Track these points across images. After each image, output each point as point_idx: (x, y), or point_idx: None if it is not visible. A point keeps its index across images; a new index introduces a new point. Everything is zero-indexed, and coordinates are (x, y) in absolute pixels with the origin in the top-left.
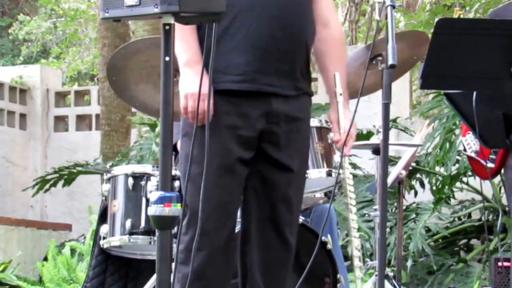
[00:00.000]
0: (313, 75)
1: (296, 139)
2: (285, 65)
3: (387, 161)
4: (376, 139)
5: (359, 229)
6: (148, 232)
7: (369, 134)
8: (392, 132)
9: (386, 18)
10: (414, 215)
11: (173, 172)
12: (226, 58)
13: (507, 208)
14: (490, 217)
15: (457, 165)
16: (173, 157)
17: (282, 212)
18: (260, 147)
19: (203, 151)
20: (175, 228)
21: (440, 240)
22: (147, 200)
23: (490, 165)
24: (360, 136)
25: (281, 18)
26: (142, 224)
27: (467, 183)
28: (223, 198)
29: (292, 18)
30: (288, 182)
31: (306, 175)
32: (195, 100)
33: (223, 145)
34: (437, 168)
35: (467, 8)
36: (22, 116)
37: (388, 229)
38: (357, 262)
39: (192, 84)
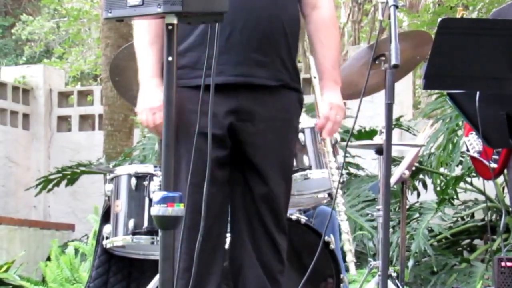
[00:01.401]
0: (315, 75)
1: (274, 140)
2: (258, 55)
3: (390, 161)
4: (379, 139)
5: (361, 228)
6: (151, 232)
7: (372, 133)
8: (395, 132)
9: (389, 18)
10: (417, 215)
11: None
12: (194, 54)
13: (510, 208)
14: (493, 217)
15: (460, 166)
16: None
17: (265, 213)
18: (238, 146)
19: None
20: None
21: (443, 240)
22: (150, 200)
23: (493, 165)
24: (363, 135)
25: (249, 8)
26: (145, 224)
27: (470, 183)
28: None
29: (260, 6)
30: (266, 184)
31: (308, 176)
32: (147, 114)
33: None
34: (440, 169)
35: (470, 8)
36: (25, 116)
37: (391, 229)
38: (347, 246)
39: (145, 99)
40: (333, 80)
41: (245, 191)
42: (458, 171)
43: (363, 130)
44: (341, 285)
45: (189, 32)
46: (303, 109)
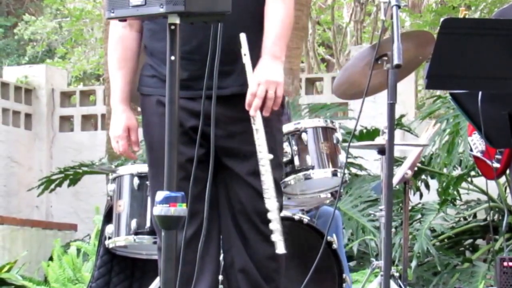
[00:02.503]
0: (319, 75)
1: (244, 139)
2: (216, 66)
3: (393, 161)
4: (381, 140)
5: (364, 229)
6: (153, 232)
7: (374, 133)
8: (398, 133)
9: (392, 18)
10: (419, 216)
11: None
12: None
13: None
14: (496, 217)
15: (461, 166)
16: None
17: (252, 213)
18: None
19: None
20: None
21: (445, 240)
22: (153, 200)
23: (496, 165)
24: (365, 135)
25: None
26: (148, 224)
27: (472, 183)
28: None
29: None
30: (244, 186)
31: (311, 176)
32: (117, 141)
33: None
34: (445, 170)
35: (473, 8)
36: (28, 116)
37: (393, 230)
38: None
39: (112, 126)
40: (271, 54)
41: (230, 187)
42: (460, 171)
43: (364, 131)
44: (344, 285)
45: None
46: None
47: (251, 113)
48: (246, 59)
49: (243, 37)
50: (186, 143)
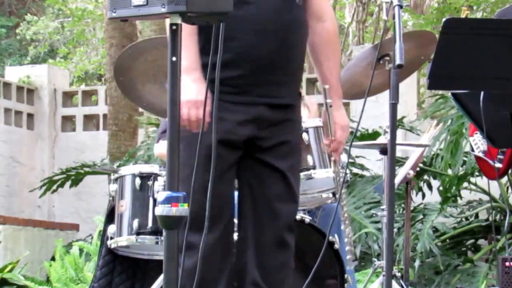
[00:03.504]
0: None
1: (286, 141)
2: (281, 77)
3: (395, 162)
4: (383, 139)
5: (366, 230)
6: (155, 232)
7: (375, 135)
8: (399, 132)
9: (394, 18)
10: (421, 216)
11: None
12: (222, 70)
13: None
14: (498, 217)
15: (464, 166)
16: None
17: (279, 211)
18: (251, 149)
19: (191, 154)
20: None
21: (447, 240)
22: (154, 200)
23: (498, 165)
24: (367, 136)
25: (275, 31)
26: (149, 224)
27: (474, 184)
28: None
29: (286, 29)
30: (280, 182)
31: (312, 176)
32: (189, 107)
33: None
34: (448, 170)
35: (475, 8)
36: (30, 116)
37: (395, 230)
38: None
39: (188, 91)
40: (339, 97)
41: (258, 189)
42: (461, 171)
43: (366, 133)
44: (346, 285)
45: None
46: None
47: (336, 157)
48: (330, 110)
49: (327, 88)
50: (228, 148)
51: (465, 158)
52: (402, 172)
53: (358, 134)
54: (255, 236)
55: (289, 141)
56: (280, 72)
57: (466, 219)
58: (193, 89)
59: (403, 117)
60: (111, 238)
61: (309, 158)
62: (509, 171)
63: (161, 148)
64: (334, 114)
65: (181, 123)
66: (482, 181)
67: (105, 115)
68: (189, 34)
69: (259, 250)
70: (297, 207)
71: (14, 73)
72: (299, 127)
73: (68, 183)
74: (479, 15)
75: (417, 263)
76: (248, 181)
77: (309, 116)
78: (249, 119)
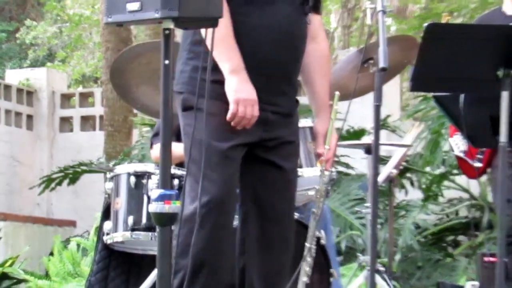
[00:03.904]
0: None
1: (289, 143)
2: (284, 85)
3: (378, 161)
4: (368, 139)
5: (351, 225)
6: (149, 228)
7: (361, 133)
8: (383, 133)
9: (378, 23)
10: (403, 212)
11: (172, 171)
12: None
13: (493, 206)
14: (477, 214)
15: (443, 164)
16: None
17: (280, 208)
18: (256, 150)
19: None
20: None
21: (429, 236)
22: (148, 198)
23: (478, 164)
24: (352, 135)
25: (284, 42)
26: (144, 220)
27: (454, 182)
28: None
29: (293, 42)
30: (281, 180)
31: (300, 174)
32: (246, 106)
33: (218, 147)
34: (427, 168)
35: (455, 14)
36: (29, 117)
37: (379, 226)
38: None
39: (242, 90)
40: (329, 111)
41: (262, 189)
42: (443, 170)
43: (351, 130)
44: (331, 279)
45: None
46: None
47: (328, 166)
48: (334, 117)
49: (337, 95)
50: (237, 147)
51: (445, 157)
52: (385, 171)
53: (345, 132)
54: (258, 238)
55: (293, 142)
56: (288, 83)
57: (447, 216)
58: (247, 88)
59: (387, 116)
60: (107, 234)
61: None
62: (488, 170)
63: (157, 152)
64: (325, 127)
65: (235, 121)
66: (462, 180)
67: (101, 116)
68: (227, 36)
69: (262, 253)
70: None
71: (14, 76)
72: (298, 131)
73: (66, 182)
74: (459, 20)
75: (399, 258)
76: (252, 184)
77: None
78: (258, 121)
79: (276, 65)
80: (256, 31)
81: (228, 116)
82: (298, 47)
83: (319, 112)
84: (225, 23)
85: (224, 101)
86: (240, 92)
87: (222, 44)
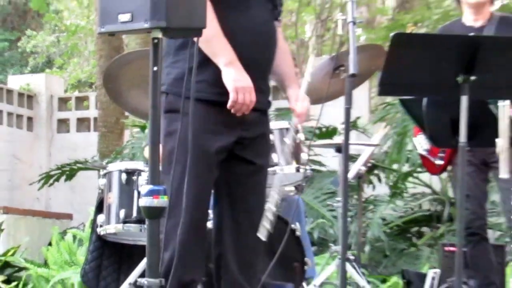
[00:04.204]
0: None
1: (263, 140)
2: (262, 84)
3: (348, 159)
4: (339, 139)
5: (323, 218)
6: (139, 221)
7: (332, 133)
8: (353, 133)
9: (348, 33)
10: (372, 206)
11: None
12: (215, 73)
13: (453, 200)
14: (439, 208)
15: (408, 163)
16: None
17: (252, 202)
18: (234, 148)
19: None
20: None
21: (394, 228)
22: (139, 193)
23: (439, 162)
24: (324, 134)
25: (261, 46)
26: (134, 214)
27: (418, 178)
28: (200, 192)
29: (268, 43)
30: (256, 176)
31: (277, 171)
32: (244, 93)
33: (203, 148)
34: (393, 165)
35: (419, 25)
36: (29, 119)
37: (349, 218)
38: None
39: (240, 79)
40: (297, 83)
41: (235, 184)
42: (407, 167)
43: (324, 129)
44: (306, 267)
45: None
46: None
47: (303, 118)
48: (308, 78)
49: (311, 60)
50: (217, 147)
51: (409, 156)
52: (355, 168)
53: (317, 131)
54: (232, 228)
55: (267, 139)
56: (264, 80)
57: (411, 209)
58: (244, 76)
59: (357, 118)
60: (101, 226)
61: (274, 156)
62: (449, 168)
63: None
64: (300, 96)
65: (235, 108)
66: (425, 176)
67: (95, 118)
68: (218, 33)
69: (236, 239)
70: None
71: (16, 81)
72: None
73: (63, 178)
74: (423, 30)
75: (367, 248)
76: (227, 179)
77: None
78: (238, 121)
79: (254, 64)
80: (236, 33)
81: (229, 104)
82: (272, 47)
83: (290, 83)
84: (214, 23)
85: (209, 103)
86: (238, 81)
87: (214, 41)
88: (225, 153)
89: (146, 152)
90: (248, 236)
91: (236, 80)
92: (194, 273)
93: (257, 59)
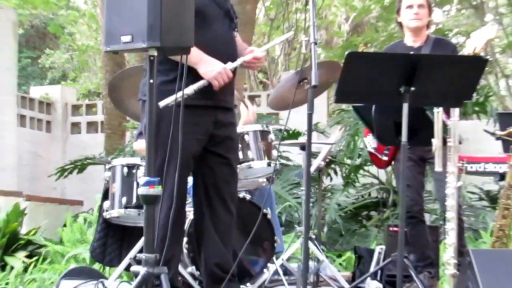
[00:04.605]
0: (258, 93)
1: (231, 139)
2: (228, 86)
3: (310, 155)
4: (302, 139)
5: (290, 204)
6: (138, 206)
7: (297, 134)
8: (314, 134)
9: (310, 51)
10: (329, 194)
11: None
12: (191, 83)
13: (396, 189)
14: (384, 195)
15: (360, 159)
16: None
17: (224, 189)
18: (206, 145)
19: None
20: None
21: (348, 212)
22: (137, 183)
23: (384, 158)
24: (291, 135)
25: (225, 53)
26: (134, 200)
27: (367, 171)
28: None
29: (230, 51)
30: (226, 168)
31: (251, 166)
32: (219, 77)
33: (182, 146)
34: (347, 160)
35: (369, 45)
36: (48, 122)
37: (311, 204)
38: None
39: (210, 69)
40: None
41: (210, 175)
42: (358, 162)
43: (291, 131)
44: (275, 244)
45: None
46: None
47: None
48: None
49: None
50: (194, 145)
51: (360, 152)
52: (315, 163)
53: (285, 134)
54: (209, 213)
55: (234, 138)
56: (230, 86)
57: (362, 196)
58: (212, 64)
59: (317, 122)
60: (106, 210)
61: (249, 153)
62: (392, 163)
63: (139, 145)
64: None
65: (216, 88)
66: (373, 169)
67: (102, 122)
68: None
69: (213, 220)
70: (237, 186)
71: (36, 92)
72: (236, 130)
73: (75, 171)
74: (372, 49)
75: (326, 229)
76: (201, 170)
77: (247, 116)
78: (212, 121)
79: None
80: (203, 47)
81: (215, 89)
82: (232, 55)
83: (246, 52)
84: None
85: (186, 107)
86: (209, 72)
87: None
88: (200, 148)
89: (135, 145)
90: (221, 214)
91: (207, 72)
92: (174, 250)
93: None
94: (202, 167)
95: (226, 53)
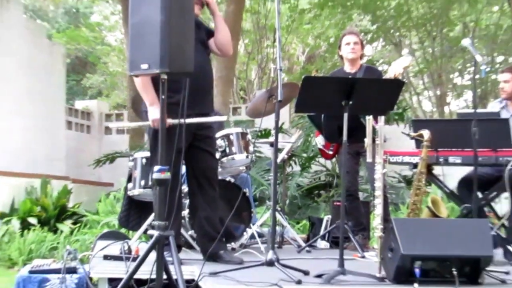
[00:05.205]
0: (239, 105)
1: (210, 138)
2: (206, 99)
3: (277, 150)
4: (271, 138)
5: (262, 184)
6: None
7: (268, 134)
8: (280, 135)
9: (277, 75)
10: (290, 178)
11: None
12: (179, 97)
13: (339, 175)
14: (330, 179)
15: (313, 152)
16: None
17: (208, 172)
18: (192, 142)
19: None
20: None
21: (304, 191)
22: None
23: (330, 152)
24: (263, 135)
25: (202, 75)
26: (150, 183)
27: (318, 161)
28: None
29: (207, 74)
30: (209, 157)
31: (234, 158)
32: (154, 121)
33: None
34: (303, 154)
35: (319, 71)
36: (88, 127)
37: (278, 185)
38: None
39: (154, 114)
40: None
41: (198, 164)
42: (311, 155)
43: (263, 132)
44: (252, 215)
45: (178, 87)
46: (233, 123)
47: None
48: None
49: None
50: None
51: (313, 148)
52: (281, 156)
53: (259, 134)
54: (200, 191)
55: (212, 136)
56: (208, 95)
57: (314, 180)
58: (155, 113)
59: (282, 124)
60: (130, 190)
61: (233, 148)
62: (336, 156)
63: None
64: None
65: (154, 125)
66: (322, 160)
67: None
68: (148, 83)
69: (203, 196)
70: (218, 170)
71: (80, 104)
72: (214, 131)
73: (108, 162)
74: (321, 74)
75: (288, 202)
76: (191, 162)
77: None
78: (194, 127)
79: (200, 89)
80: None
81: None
82: (208, 77)
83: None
84: (146, 79)
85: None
86: (152, 115)
87: (145, 90)
88: (187, 144)
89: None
90: (208, 191)
91: (151, 115)
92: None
93: (201, 85)
94: (192, 159)
95: (201, 77)
